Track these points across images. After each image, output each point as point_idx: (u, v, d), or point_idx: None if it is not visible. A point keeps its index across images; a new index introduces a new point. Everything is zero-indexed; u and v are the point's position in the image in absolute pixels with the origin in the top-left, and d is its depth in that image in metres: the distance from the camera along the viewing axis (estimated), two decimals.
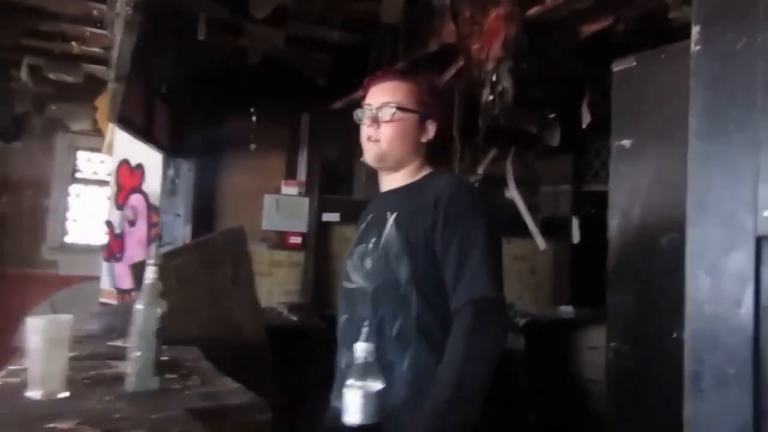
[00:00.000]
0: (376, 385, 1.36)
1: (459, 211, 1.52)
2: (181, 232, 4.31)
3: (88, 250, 5.96)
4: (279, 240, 4.58)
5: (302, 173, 4.63)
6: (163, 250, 4.19)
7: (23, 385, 1.36)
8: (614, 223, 2.55)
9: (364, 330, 1.58)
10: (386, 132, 1.63)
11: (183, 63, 3.72)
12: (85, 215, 6.25)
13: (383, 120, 1.62)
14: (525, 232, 5.23)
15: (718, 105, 1.41)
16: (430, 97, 1.68)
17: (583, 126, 3.57)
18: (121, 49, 2.05)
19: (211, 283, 2.88)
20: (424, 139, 1.66)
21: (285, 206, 4.55)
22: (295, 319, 4.03)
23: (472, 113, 2.91)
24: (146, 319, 1.63)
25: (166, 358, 2.08)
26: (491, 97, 2.70)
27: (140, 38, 2.91)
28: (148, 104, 3.67)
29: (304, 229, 4.59)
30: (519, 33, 2.55)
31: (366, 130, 1.66)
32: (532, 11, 2.52)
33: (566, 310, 4.65)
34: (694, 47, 1.45)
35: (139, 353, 1.59)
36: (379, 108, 1.63)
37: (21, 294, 5.55)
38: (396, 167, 1.68)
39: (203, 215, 4.35)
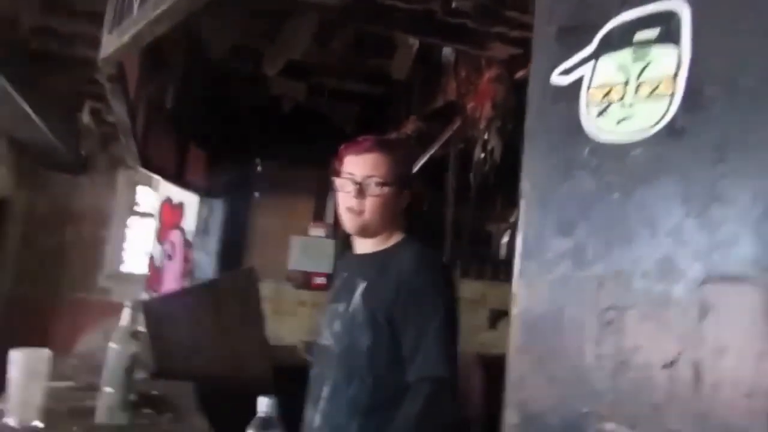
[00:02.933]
0: None
1: (418, 290, 1.57)
2: (211, 269, 4.53)
3: (141, 279, 6.34)
4: (304, 280, 4.71)
5: (329, 216, 4.78)
6: (193, 284, 4.42)
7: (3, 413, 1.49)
8: None
9: (325, 389, 1.64)
10: (371, 205, 1.63)
11: (215, 111, 3.99)
12: (140, 246, 6.66)
13: (370, 194, 1.63)
14: None
15: None
16: (405, 167, 1.73)
17: None
18: (116, 111, 2.27)
19: (220, 321, 3.02)
20: (400, 207, 1.70)
21: (311, 248, 4.69)
22: (310, 358, 4.12)
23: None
24: (118, 359, 1.76)
25: (156, 392, 2.23)
26: (482, 155, 2.74)
27: (160, 94, 3.19)
28: (182, 149, 3.95)
29: (329, 270, 4.69)
30: (507, 95, 2.60)
31: (348, 200, 1.65)
32: (520, 74, 2.57)
33: None
34: None
35: (109, 389, 1.73)
36: (365, 181, 1.63)
37: (76, 318, 5.96)
38: (374, 235, 1.70)
39: (232, 253, 4.56)
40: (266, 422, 1.47)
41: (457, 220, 3.20)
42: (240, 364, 3.05)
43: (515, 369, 0.51)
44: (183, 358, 2.73)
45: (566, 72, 0.51)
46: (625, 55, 0.48)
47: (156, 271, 5.03)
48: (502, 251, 5.17)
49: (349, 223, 1.68)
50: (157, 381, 2.35)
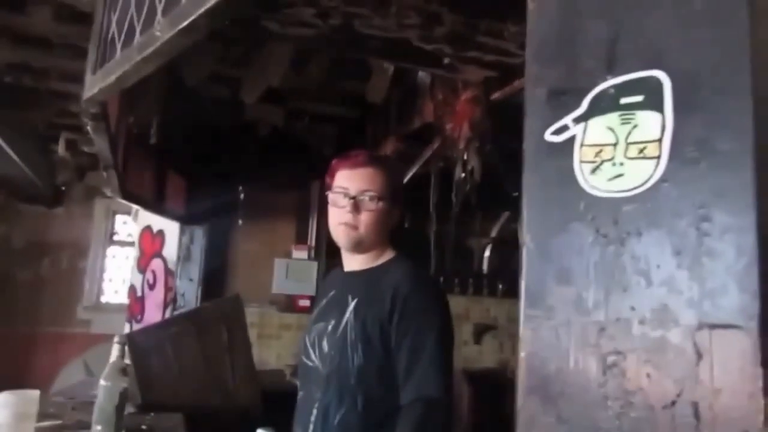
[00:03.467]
0: None
1: (415, 308, 1.54)
2: (194, 296, 4.51)
3: (121, 309, 6.26)
4: (288, 303, 4.71)
5: (312, 238, 4.80)
6: (176, 314, 4.40)
7: None
8: None
9: (315, 412, 1.60)
10: (366, 220, 1.61)
11: (194, 140, 4.01)
12: (120, 276, 6.59)
13: (366, 209, 1.61)
14: None
15: None
16: (398, 183, 1.73)
17: None
18: (98, 147, 2.27)
19: (206, 350, 3.01)
20: (392, 223, 1.69)
21: (295, 270, 4.70)
22: (297, 382, 4.11)
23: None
24: (108, 396, 1.76)
25: (144, 427, 2.23)
26: (463, 175, 2.80)
27: (138, 124, 3.19)
28: (161, 176, 3.94)
29: (312, 292, 4.70)
30: (484, 116, 2.66)
31: (342, 216, 1.63)
32: (496, 95, 2.63)
33: None
34: None
35: (99, 428, 1.73)
36: (359, 195, 1.62)
37: (55, 352, 5.86)
38: (368, 251, 1.68)
39: (215, 280, 4.55)
40: None
41: (440, 236, 3.25)
42: (228, 392, 3.05)
43: (525, 409, 0.54)
44: (170, 389, 2.71)
45: (558, 132, 0.56)
46: (613, 118, 0.52)
47: (137, 301, 4.99)
48: (484, 265, 5.25)
49: (343, 238, 1.65)
50: (145, 414, 2.35)
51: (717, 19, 0.47)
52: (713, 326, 0.44)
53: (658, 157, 0.49)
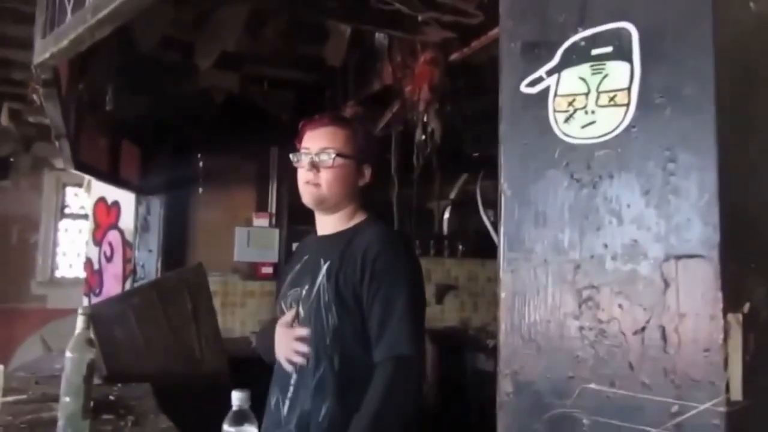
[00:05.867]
0: (251, 431, 1.47)
1: (384, 268, 1.59)
2: (154, 267, 4.45)
3: (77, 283, 6.13)
4: (251, 271, 4.70)
5: (272, 205, 4.77)
6: (137, 285, 4.34)
7: None
8: None
9: (294, 375, 1.65)
10: (326, 177, 1.67)
11: (147, 107, 3.90)
12: (74, 249, 6.44)
13: (324, 165, 1.66)
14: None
15: None
16: (366, 142, 1.77)
17: None
18: (50, 115, 2.20)
19: (171, 320, 3.00)
20: (361, 183, 1.74)
21: (256, 238, 4.68)
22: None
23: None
24: (74, 367, 1.75)
25: (112, 397, 2.23)
26: (423, 137, 2.82)
27: (92, 90, 3.09)
28: (114, 147, 3.84)
29: (275, 259, 4.70)
30: (443, 77, 2.67)
31: (305, 175, 1.70)
32: (454, 56, 2.65)
33: None
34: None
35: (67, 399, 1.72)
36: (319, 153, 1.67)
37: (10, 329, 5.72)
38: (334, 209, 1.74)
39: (175, 250, 4.49)
40: (241, 415, 1.51)
41: (401, 199, 3.29)
42: (195, 360, 3.06)
43: (507, 345, 0.59)
44: (135, 359, 2.70)
45: (533, 83, 0.59)
46: (584, 68, 0.55)
47: (94, 274, 4.90)
48: (444, 227, 5.32)
49: (307, 196, 1.72)
50: (112, 385, 2.34)
51: None
52: (679, 257, 0.49)
53: (627, 105, 0.53)
